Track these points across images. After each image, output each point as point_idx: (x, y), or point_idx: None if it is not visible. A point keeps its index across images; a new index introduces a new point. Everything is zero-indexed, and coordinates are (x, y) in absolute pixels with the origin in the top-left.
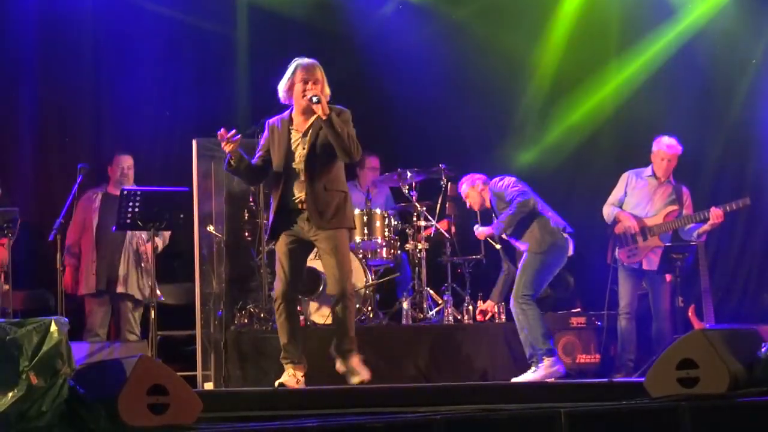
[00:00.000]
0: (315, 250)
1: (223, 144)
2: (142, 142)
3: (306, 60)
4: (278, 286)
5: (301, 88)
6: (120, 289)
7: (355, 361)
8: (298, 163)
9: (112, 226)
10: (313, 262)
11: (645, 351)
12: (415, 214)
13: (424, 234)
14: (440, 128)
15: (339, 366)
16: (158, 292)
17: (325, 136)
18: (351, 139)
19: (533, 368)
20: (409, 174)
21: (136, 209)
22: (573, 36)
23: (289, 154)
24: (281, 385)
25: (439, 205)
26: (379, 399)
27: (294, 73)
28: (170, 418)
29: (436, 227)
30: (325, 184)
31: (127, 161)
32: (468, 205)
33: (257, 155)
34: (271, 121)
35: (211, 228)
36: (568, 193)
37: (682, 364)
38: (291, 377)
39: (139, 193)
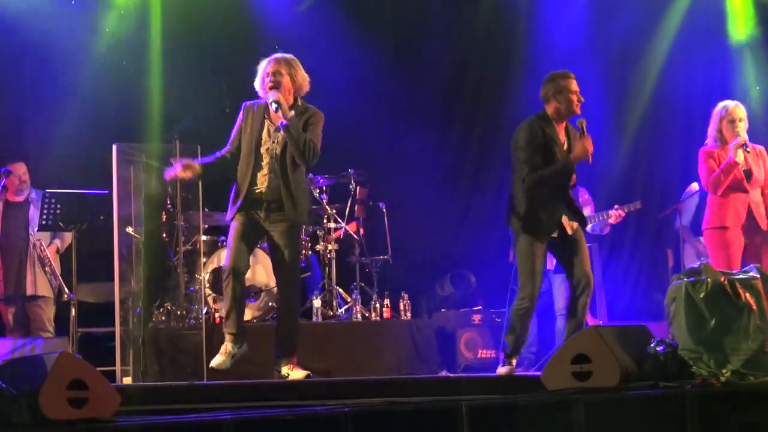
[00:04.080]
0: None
1: (181, 173)
2: (64, 146)
3: (279, 54)
4: (229, 260)
5: (262, 82)
6: (29, 291)
7: None
8: (265, 154)
9: (32, 230)
10: None
11: (546, 346)
12: (325, 216)
13: (333, 235)
14: (349, 134)
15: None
16: (66, 290)
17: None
18: (307, 145)
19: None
20: (319, 179)
21: (58, 210)
22: (477, 42)
23: (259, 143)
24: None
25: (348, 208)
26: (290, 393)
27: (264, 65)
28: (89, 411)
29: (345, 229)
30: (291, 179)
31: (21, 168)
32: None
33: (230, 140)
34: (249, 103)
35: (130, 229)
36: (472, 191)
37: (576, 358)
38: (223, 354)
39: (61, 195)
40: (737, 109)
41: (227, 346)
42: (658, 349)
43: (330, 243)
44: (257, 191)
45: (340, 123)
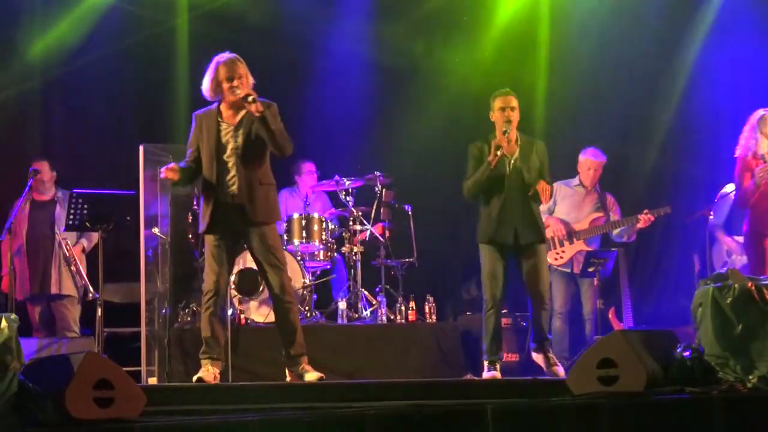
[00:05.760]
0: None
1: (167, 174)
2: (91, 147)
3: (226, 55)
4: (210, 280)
5: (227, 85)
6: (54, 290)
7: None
8: (230, 156)
9: (58, 229)
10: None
11: (577, 351)
12: (351, 218)
13: (359, 238)
14: (376, 137)
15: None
16: (91, 290)
17: (257, 129)
18: (282, 134)
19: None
20: (346, 181)
21: (85, 211)
22: (503, 49)
23: (220, 147)
24: (200, 380)
25: (374, 211)
26: (315, 394)
27: (216, 71)
28: (115, 411)
29: (371, 231)
30: (259, 177)
31: (44, 166)
32: None
33: (189, 152)
34: (199, 113)
35: (156, 230)
36: None
37: (602, 363)
38: (209, 373)
39: (88, 195)
40: None
41: (212, 369)
42: (684, 354)
43: (355, 245)
44: (230, 195)
45: (366, 126)
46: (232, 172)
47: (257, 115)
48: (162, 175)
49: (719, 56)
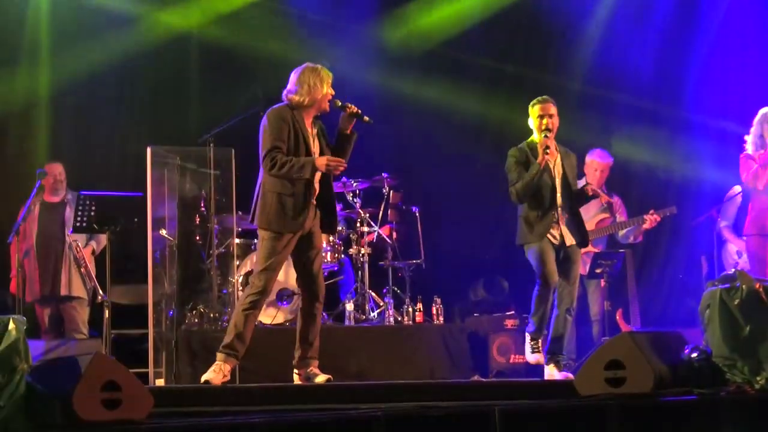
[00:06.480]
0: None
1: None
2: (99, 149)
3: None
4: (263, 279)
5: (331, 92)
6: (64, 292)
7: None
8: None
9: (67, 231)
10: None
11: (583, 352)
12: (359, 220)
13: (366, 239)
14: (383, 138)
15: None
16: (101, 292)
17: (325, 140)
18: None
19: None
20: (353, 182)
21: (93, 212)
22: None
23: (308, 151)
24: (207, 381)
25: (381, 212)
26: (323, 396)
27: (324, 77)
28: (123, 413)
29: (378, 233)
30: (331, 183)
31: (57, 168)
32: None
33: (283, 146)
34: (281, 111)
35: (163, 231)
36: (505, 196)
37: (609, 364)
38: (218, 374)
39: (95, 197)
40: None
41: (224, 368)
42: (692, 355)
43: (363, 247)
44: (311, 199)
45: (374, 127)
46: (317, 176)
47: (349, 132)
48: (338, 171)
49: (726, 56)
